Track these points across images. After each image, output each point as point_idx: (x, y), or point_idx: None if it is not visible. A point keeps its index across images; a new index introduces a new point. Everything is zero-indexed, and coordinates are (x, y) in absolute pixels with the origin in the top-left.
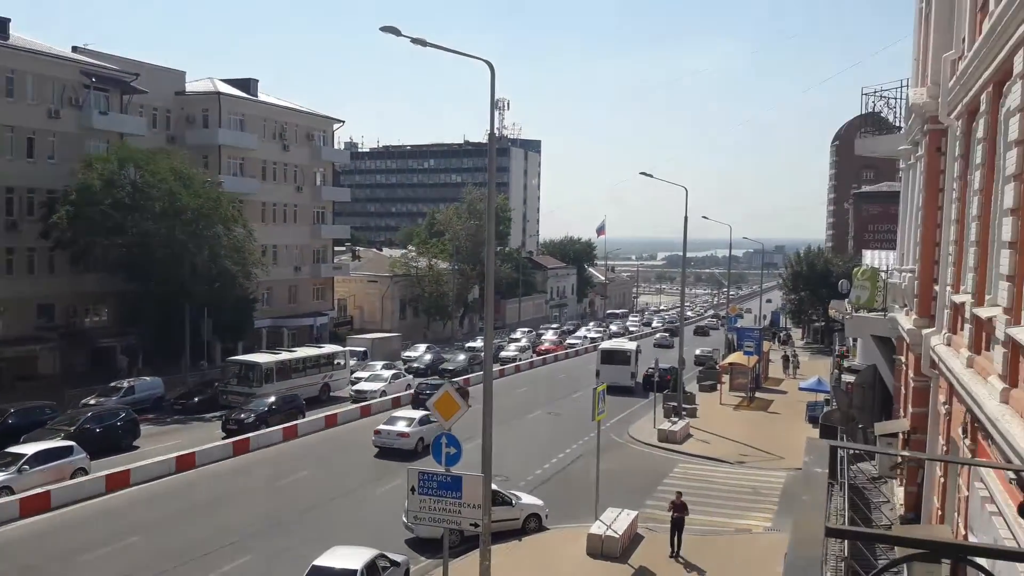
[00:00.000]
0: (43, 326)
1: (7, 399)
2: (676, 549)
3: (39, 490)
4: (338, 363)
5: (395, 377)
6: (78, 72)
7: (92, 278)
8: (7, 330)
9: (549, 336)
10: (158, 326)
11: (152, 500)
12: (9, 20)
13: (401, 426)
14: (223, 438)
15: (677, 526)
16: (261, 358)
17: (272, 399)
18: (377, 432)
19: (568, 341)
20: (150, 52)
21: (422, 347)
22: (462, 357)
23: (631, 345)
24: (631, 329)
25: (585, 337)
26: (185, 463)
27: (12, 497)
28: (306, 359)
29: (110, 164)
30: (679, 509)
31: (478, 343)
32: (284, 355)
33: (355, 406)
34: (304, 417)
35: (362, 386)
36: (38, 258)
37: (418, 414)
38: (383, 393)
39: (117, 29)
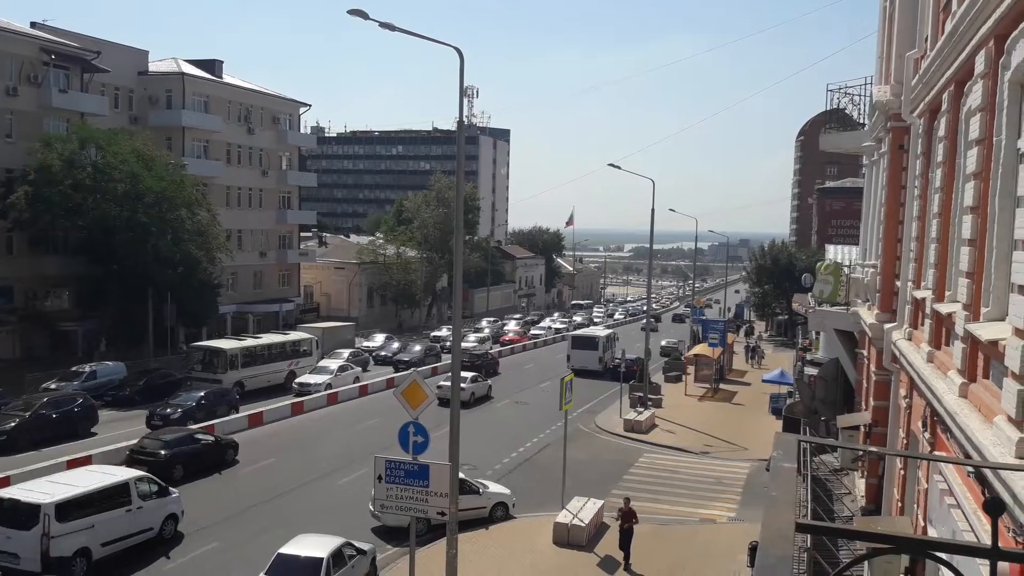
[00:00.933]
0: (2, 308)
1: None
2: (627, 561)
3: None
4: (304, 351)
5: (342, 370)
6: (37, 49)
7: (52, 260)
8: None
9: (512, 326)
10: (120, 310)
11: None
12: None
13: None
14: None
15: (626, 537)
16: (226, 344)
17: (201, 393)
18: (439, 387)
19: (532, 332)
20: (113, 31)
21: (380, 336)
22: (418, 348)
23: (601, 332)
24: (596, 320)
25: (549, 328)
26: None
27: None
28: (272, 346)
29: (70, 144)
30: (628, 517)
31: (443, 332)
32: (249, 341)
33: (297, 399)
34: (237, 412)
35: (306, 379)
36: None
37: (470, 375)
38: (328, 387)
39: (78, 6)
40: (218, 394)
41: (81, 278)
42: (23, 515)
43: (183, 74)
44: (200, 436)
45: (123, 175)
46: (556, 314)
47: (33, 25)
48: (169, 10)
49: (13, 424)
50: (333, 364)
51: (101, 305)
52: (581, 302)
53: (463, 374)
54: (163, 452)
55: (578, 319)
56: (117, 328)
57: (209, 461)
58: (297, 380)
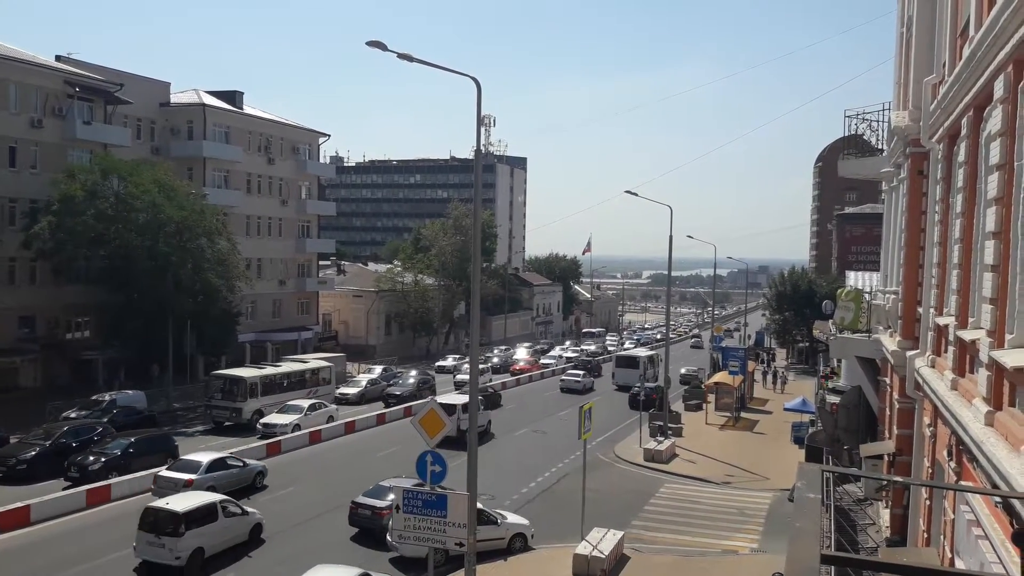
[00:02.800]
0: (24, 337)
1: None
2: None
3: (17, 504)
4: (324, 379)
5: (313, 408)
6: (62, 81)
7: (74, 290)
8: None
9: (523, 355)
10: (141, 339)
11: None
12: None
13: (577, 374)
14: (64, 487)
15: None
16: (245, 372)
17: (130, 440)
18: (563, 379)
19: (543, 361)
20: (136, 64)
21: (378, 369)
22: (412, 380)
23: (643, 352)
24: (610, 348)
25: (560, 356)
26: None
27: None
28: (291, 374)
29: (93, 175)
30: None
31: (448, 362)
32: (269, 370)
33: (262, 442)
34: (176, 459)
35: (272, 419)
36: (19, 268)
37: (581, 372)
38: (296, 427)
39: (102, 41)
40: (152, 441)
41: (102, 307)
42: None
43: (204, 105)
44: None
45: (144, 205)
46: (567, 342)
47: (58, 58)
48: (190, 42)
49: (33, 453)
50: (304, 403)
51: (122, 334)
52: (592, 330)
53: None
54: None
55: (592, 347)
56: (137, 357)
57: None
58: (262, 420)
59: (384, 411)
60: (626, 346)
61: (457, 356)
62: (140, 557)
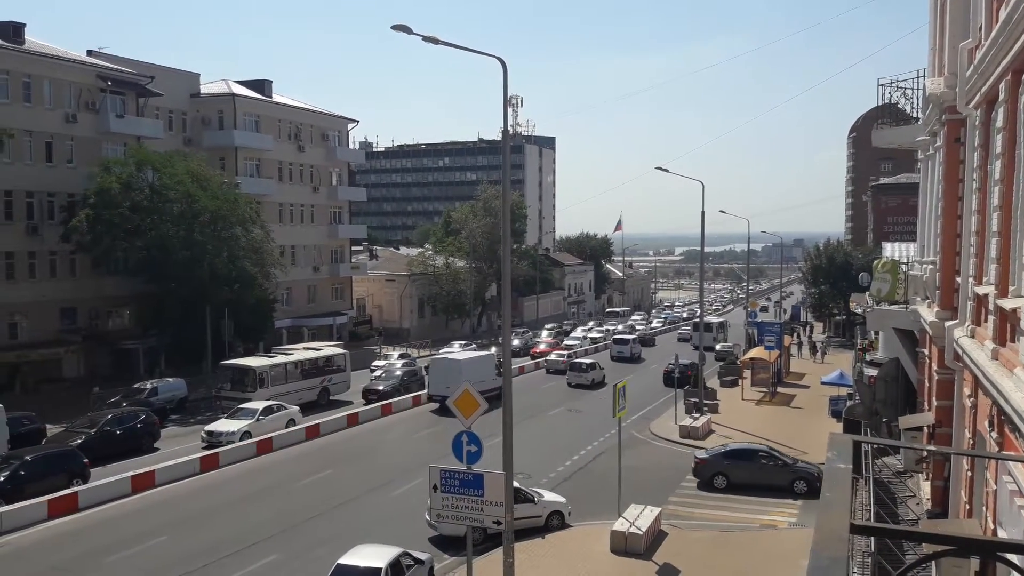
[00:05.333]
0: (66, 329)
1: (32, 401)
2: None
3: (66, 492)
4: (338, 366)
5: (268, 412)
6: (94, 76)
7: (113, 281)
8: (31, 333)
9: (544, 337)
10: (179, 328)
11: (176, 500)
12: (24, 25)
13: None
14: None
15: None
16: (255, 362)
17: (25, 459)
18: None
19: (566, 342)
20: (165, 55)
21: (395, 354)
22: (399, 372)
23: (715, 319)
24: (637, 328)
25: (584, 337)
26: (210, 463)
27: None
28: (303, 362)
29: (128, 167)
30: None
31: (455, 348)
32: (279, 358)
33: (206, 453)
34: (85, 483)
35: (217, 426)
36: (60, 262)
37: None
38: (245, 435)
39: (132, 33)
40: (54, 459)
41: (141, 297)
42: None
43: (234, 95)
44: None
45: (179, 196)
46: (591, 323)
47: (89, 53)
48: (219, 33)
49: (79, 441)
50: (257, 404)
51: (160, 323)
52: (617, 309)
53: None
54: None
55: (620, 327)
56: (176, 345)
57: None
58: (207, 428)
59: (357, 410)
60: (653, 325)
61: (463, 342)
62: None
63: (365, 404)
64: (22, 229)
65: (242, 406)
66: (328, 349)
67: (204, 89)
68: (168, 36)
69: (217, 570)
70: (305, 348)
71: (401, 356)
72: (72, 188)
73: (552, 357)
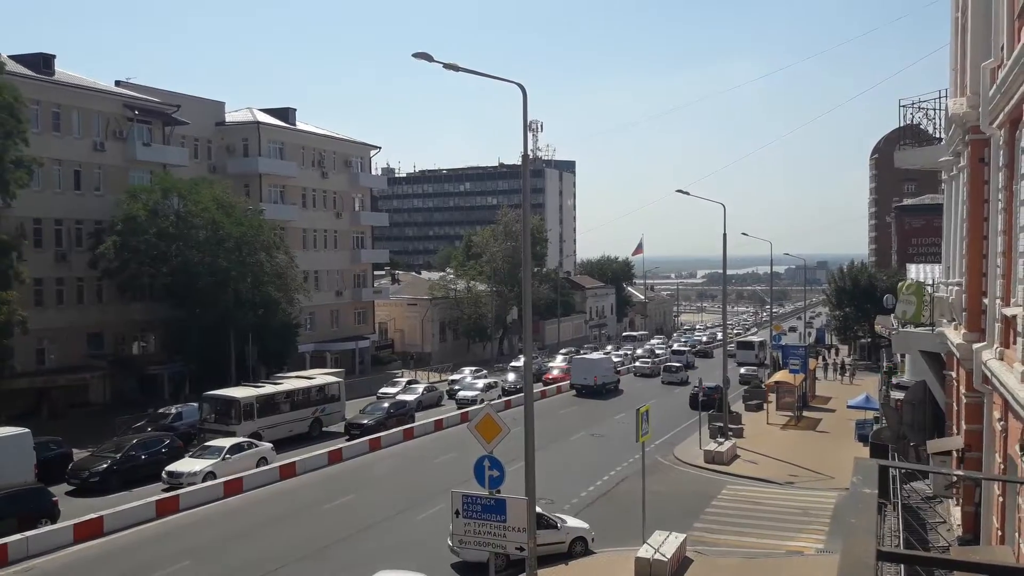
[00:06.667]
0: (93, 354)
1: (60, 427)
2: None
3: (92, 516)
4: (332, 395)
5: (238, 450)
6: (121, 105)
7: (139, 306)
8: (59, 359)
9: (558, 363)
10: (204, 353)
11: (200, 525)
12: (54, 57)
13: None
14: None
15: None
16: (239, 392)
17: None
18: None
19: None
20: (190, 84)
21: (403, 382)
22: (386, 403)
23: (756, 338)
24: (657, 352)
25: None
26: (233, 488)
27: (65, 523)
28: (293, 392)
29: (154, 195)
30: None
31: (465, 374)
32: (268, 388)
33: (162, 496)
34: (54, 523)
35: (177, 466)
36: (87, 288)
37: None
38: (209, 476)
39: (161, 61)
40: (15, 500)
41: (166, 323)
42: None
43: (258, 123)
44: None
45: (204, 222)
46: (609, 346)
47: (118, 83)
48: (243, 64)
49: (105, 466)
50: (225, 443)
51: (185, 348)
52: (634, 333)
53: None
54: None
55: (639, 352)
56: (201, 370)
57: None
58: (167, 468)
59: (340, 446)
60: (674, 348)
61: (474, 369)
62: None
63: (347, 439)
64: (51, 256)
65: (208, 443)
66: (321, 377)
67: (229, 117)
68: (196, 64)
69: None
70: (297, 376)
71: (410, 383)
72: (99, 215)
73: (637, 363)
